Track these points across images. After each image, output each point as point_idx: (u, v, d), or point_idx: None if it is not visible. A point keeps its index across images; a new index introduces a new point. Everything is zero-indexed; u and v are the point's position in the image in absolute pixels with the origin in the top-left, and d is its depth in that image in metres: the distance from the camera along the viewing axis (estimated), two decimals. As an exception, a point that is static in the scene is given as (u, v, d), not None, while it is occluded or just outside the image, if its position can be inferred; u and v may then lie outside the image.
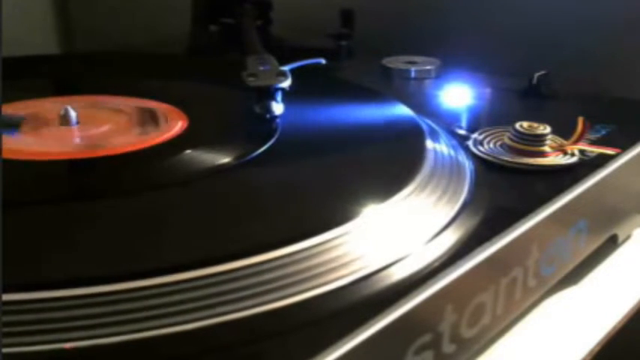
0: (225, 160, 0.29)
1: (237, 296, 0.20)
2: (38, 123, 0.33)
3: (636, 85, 0.47)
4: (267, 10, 0.57)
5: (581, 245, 0.31)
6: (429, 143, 0.30)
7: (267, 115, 0.33)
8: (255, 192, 0.27)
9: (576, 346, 0.28)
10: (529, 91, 0.41)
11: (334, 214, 0.24)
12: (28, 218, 0.24)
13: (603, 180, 0.31)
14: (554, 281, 0.30)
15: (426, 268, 0.23)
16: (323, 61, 0.38)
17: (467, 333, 0.24)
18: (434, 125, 0.34)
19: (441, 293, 0.22)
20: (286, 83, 0.33)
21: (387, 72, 0.46)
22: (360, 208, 0.24)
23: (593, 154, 0.32)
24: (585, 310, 0.31)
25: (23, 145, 0.30)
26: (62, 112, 0.32)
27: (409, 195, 0.26)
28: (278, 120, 0.33)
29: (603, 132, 0.35)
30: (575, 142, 0.32)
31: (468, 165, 0.30)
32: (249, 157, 0.29)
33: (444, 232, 0.25)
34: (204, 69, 0.45)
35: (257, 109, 0.33)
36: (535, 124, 0.32)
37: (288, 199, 0.26)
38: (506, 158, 0.31)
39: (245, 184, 0.27)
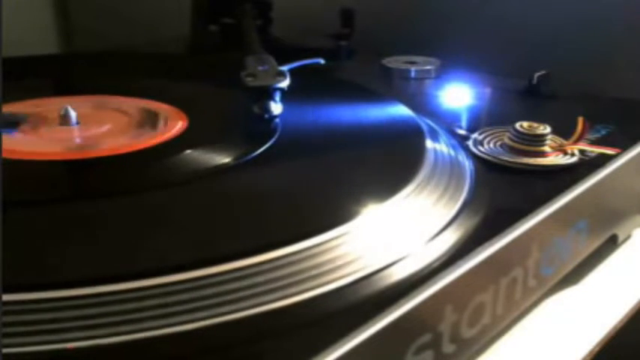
0: (225, 160, 0.29)
1: (237, 296, 0.20)
2: (38, 123, 0.32)
3: (636, 85, 0.47)
4: (267, 10, 0.57)
5: (581, 245, 0.31)
6: (429, 143, 0.30)
7: (266, 115, 0.33)
8: (255, 192, 0.27)
9: (576, 346, 0.28)
10: (529, 91, 0.41)
11: (334, 214, 0.24)
12: (27, 218, 0.24)
13: (603, 180, 0.31)
14: (554, 281, 0.30)
15: (426, 268, 0.23)
16: (322, 61, 0.38)
17: (467, 333, 0.24)
18: (434, 125, 0.34)
19: (441, 293, 0.22)
20: (285, 83, 0.33)
21: (387, 72, 0.46)
22: (360, 208, 0.24)
23: (593, 154, 0.32)
24: (585, 310, 0.31)
25: (22, 145, 0.30)
26: (62, 112, 0.32)
27: (409, 195, 0.26)
28: (278, 120, 0.33)
29: (603, 132, 0.35)
30: (575, 142, 0.32)
31: (468, 165, 0.30)
32: (248, 157, 0.29)
33: (444, 232, 0.25)
34: (204, 69, 0.45)
35: (255, 109, 0.33)
36: (535, 124, 0.32)
37: (288, 199, 0.26)
38: (506, 158, 0.31)
39: (245, 184, 0.27)
